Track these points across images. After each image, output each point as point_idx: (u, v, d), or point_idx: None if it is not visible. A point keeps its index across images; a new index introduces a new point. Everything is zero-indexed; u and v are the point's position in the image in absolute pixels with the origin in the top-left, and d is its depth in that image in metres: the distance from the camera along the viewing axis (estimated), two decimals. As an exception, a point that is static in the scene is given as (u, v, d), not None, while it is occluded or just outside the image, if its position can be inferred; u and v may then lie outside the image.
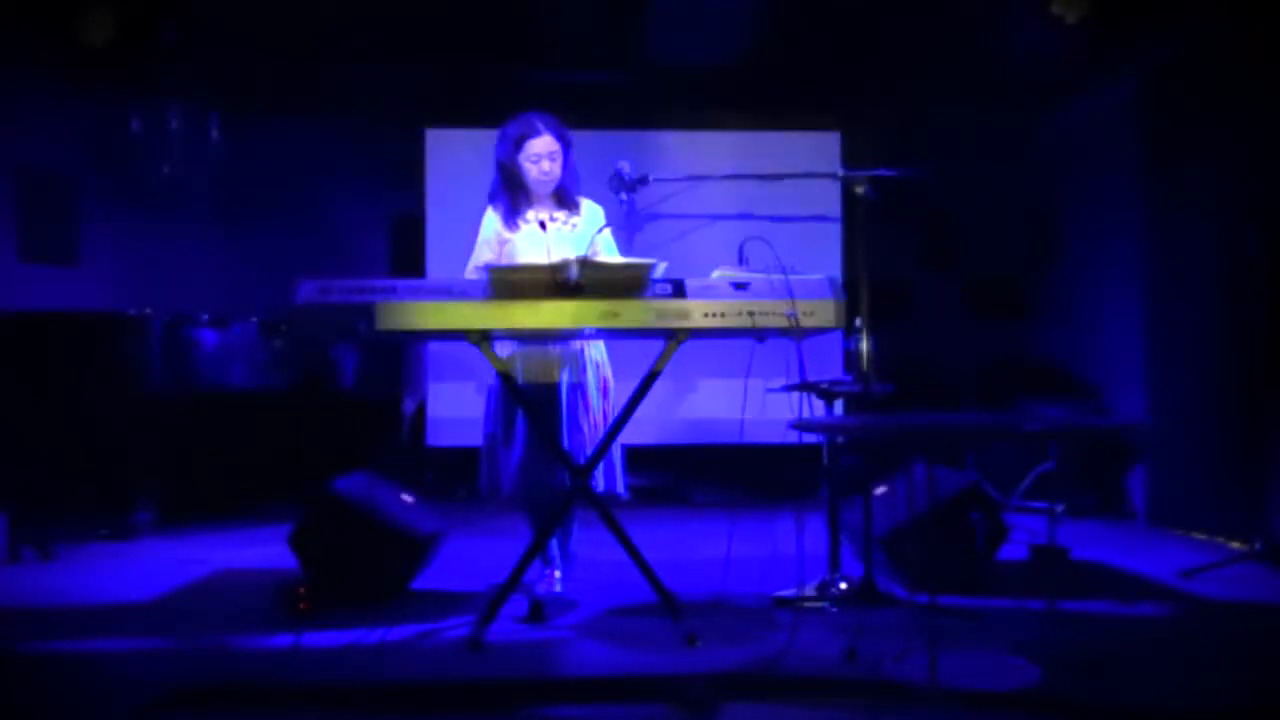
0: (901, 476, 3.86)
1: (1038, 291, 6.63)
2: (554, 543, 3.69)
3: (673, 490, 6.38)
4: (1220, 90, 4.67)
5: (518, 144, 3.60)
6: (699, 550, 4.56)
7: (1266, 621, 3.35)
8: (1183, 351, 4.98)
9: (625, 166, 3.70)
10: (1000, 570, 3.70)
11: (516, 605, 3.28)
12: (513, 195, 3.65)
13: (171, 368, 5.02)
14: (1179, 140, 5.03)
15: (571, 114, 3.77)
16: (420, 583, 3.75)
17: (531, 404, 3.40)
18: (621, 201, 3.75)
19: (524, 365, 3.58)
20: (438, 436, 6.40)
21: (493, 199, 3.70)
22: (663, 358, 3.21)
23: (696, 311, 3.06)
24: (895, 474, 3.94)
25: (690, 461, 6.41)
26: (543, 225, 3.49)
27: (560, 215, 3.64)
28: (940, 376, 6.40)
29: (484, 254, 3.63)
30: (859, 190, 3.57)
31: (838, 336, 3.64)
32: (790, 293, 3.07)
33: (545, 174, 3.61)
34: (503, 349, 3.52)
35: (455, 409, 6.24)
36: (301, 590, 3.37)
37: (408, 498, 3.88)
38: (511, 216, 3.64)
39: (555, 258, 3.11)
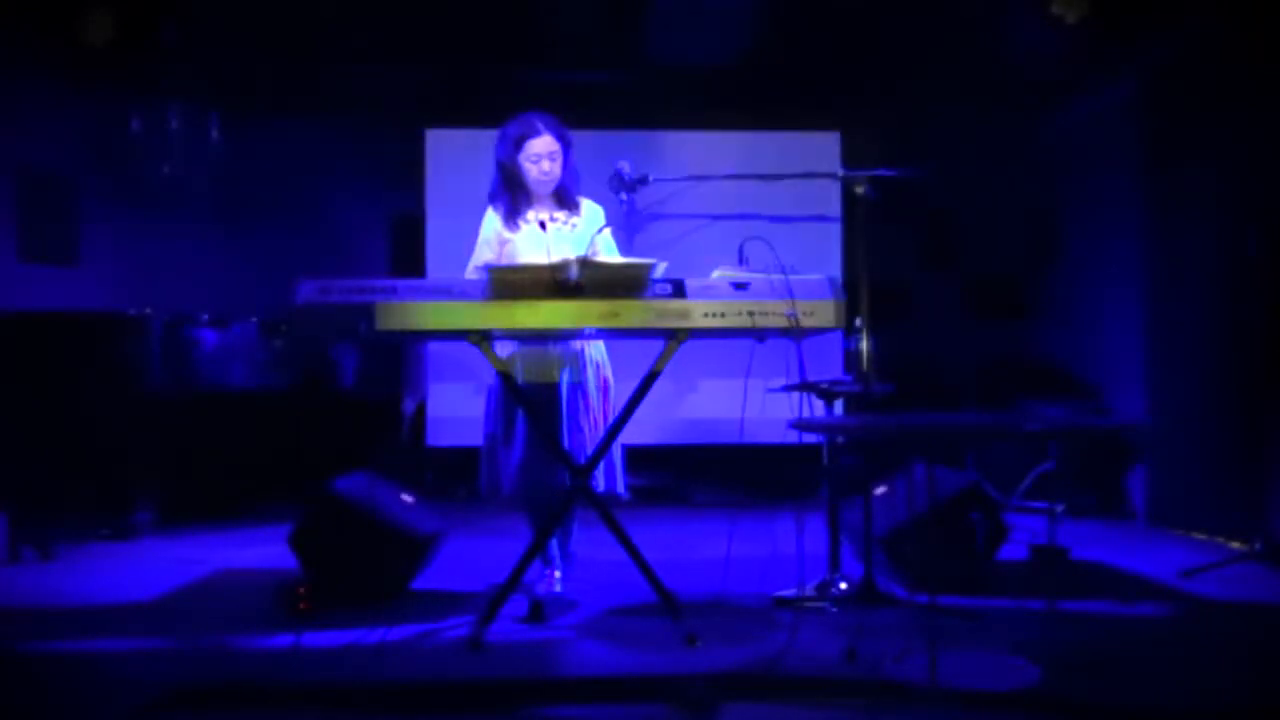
0: (901, 476, 3.86)
1: (1038, 291, 6.63)
2: (554, 543, 3.69)
3: (673, 490, 6.38)
4: (1220, 90, 4.67)
5: (518, 144, 3.60)
6: (699, 550, 4.56)
7: (1266, 621, 3.35)
8: (1183, 351, 4.98)
9: (625, 166, 3.71)
10: (1000, 570, 3.70)
11: (516, 605, 3.28)
12: (513, 195, 3.65)
13: (171, 368, 5.02)
14: (1179, 140, 5.03)
15: (571, 114, 3.77)
16: (420, 583, 3.75)
17: (531, 404, 3.40)
18: (621, 201, 3.75)
19: (524, 365, 3.57)
20: (438, 436, 6.41)
21: (493, 199, 3.70)
22: (663, 358, 3.21)
23: (696, 311, 3.06)
24: (895, 474, 3.94)
25: (690, 461, 6.41)
26: (543, 225, 3.49)
27: (560, 215, 3.64)
28: (940, 376, 6.40)
29: (484, 254, 3.63)
30: (859, 190, 3.57)
31: (838, 336, 3.63)
32: (790, 293, 3.07)
33: (545, 174, 3.61)
34: (503, 349, 3.52)
35: (455, 409, 6.24)
36: (301, 590, 3.37)
37: (408, 498, 3.88)
38: (512, 216, 3.64)
39: (555, 258, 3.11)
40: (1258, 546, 3.92)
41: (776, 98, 6.33)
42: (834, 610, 3.39)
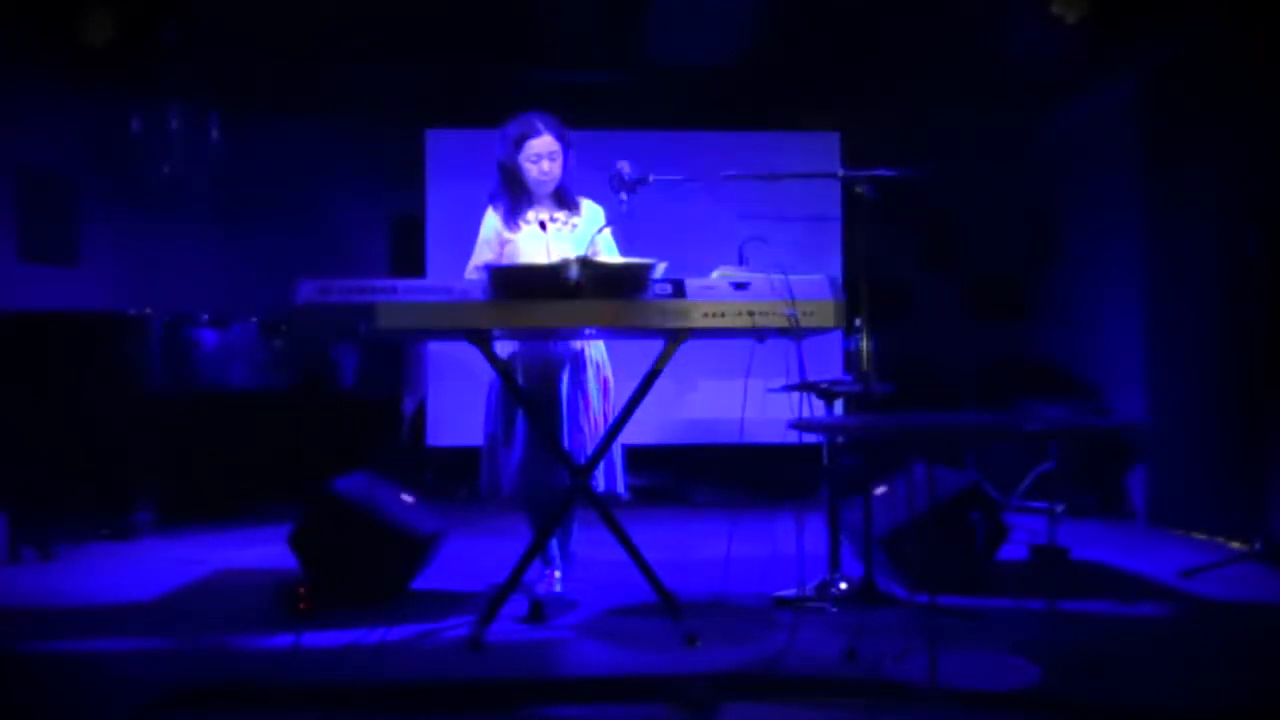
0: (901, 476, 3.86)
1: (1038, 291, 6.63)
2: (554, 543, 3.69)
3: (673, 490, 6.39)
4: (1220, 90, 4.67)
5: (518, 144, 3.60)
6: (699, 550, 4.56)
7: (1266, 621, 3.35)
8: (1183, 351, 4.98)
9: (625, 166, 3.69)
10: (1000, 570, 3.70)
11: (516, 605, 3.28)
12: (513, 195, 3.65)
13: (171, 368, 5.02)
14: (1179, 140, 5.03)
15: (571, 114, 3.77)
16: (420, 583, 3.75)
17: (531, 404, 3.40)
18: (621, 201, 3.74)
19: (524, 365, 3.57)
20: (438, 436, 6.41)
21: (493, 199, 3.70)
22: (663, 358, 3.21)
23: (696, 311, 3.06)
24: (895, 474, 3.94)
25: (690, 461, 6.41)
26: (543, 225, 3.49)
27: (560, 215, 3.64)
28: (940, 376, 6.40)
29: (484, 254, 3.63)
30: (859, 190, 3.57)
31: (838, 336, 3.64)
32: (790, 293, 3.07)
33: (545, 174, 3.61)
34: (503, 349, 3.52)
35: (455, 409, 6.24)
36: (301, 590, 3.37)
37: (408, 498, 3.88)
38: (512, 216, 3.64)
39: (555, 258, 3.11)
40: (1258, 546, 3.92)
41: (776, 98, 6.33)
42: (834, 610, 3.39)
